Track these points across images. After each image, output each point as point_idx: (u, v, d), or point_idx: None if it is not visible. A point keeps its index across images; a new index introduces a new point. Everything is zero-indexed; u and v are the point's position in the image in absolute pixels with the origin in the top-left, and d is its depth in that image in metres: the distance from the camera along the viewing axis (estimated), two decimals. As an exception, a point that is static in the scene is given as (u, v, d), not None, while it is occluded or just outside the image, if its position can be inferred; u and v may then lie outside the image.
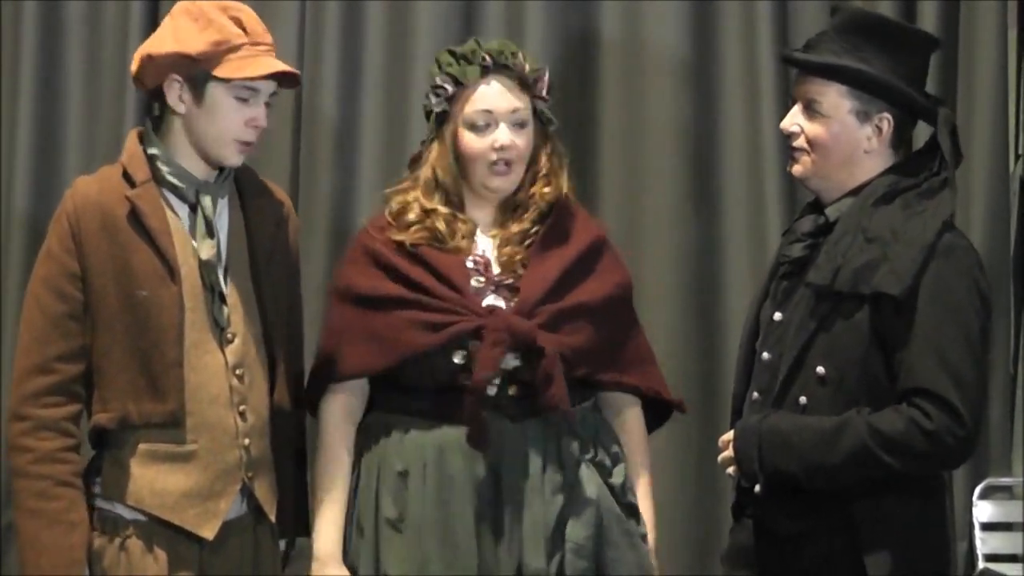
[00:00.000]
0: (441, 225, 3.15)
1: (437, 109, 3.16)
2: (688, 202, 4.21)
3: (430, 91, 3.20)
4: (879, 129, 3.00)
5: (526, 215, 3.19)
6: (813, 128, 3.00)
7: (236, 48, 3.02)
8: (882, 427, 2.84)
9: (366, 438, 3.16)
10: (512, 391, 3.09)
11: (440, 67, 3.18)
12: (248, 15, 3.08)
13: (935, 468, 2.92)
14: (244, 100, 3.06)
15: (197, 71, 3.02)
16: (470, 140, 3.15)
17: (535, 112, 3.20)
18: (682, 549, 4.13)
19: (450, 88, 3.16)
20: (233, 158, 3.09)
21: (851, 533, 2.90)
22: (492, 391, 3.08)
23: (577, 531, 3.08)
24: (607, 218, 4.18)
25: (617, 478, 3.16)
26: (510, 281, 3.14)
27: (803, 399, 2.94)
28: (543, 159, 3.22)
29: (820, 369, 2.92)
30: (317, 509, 3.15)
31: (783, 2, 4.19)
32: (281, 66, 3.06)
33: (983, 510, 4.09)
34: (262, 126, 3.09)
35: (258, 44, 3.06)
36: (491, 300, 3.13)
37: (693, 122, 4.21)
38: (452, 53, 3.20)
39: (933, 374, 2.83)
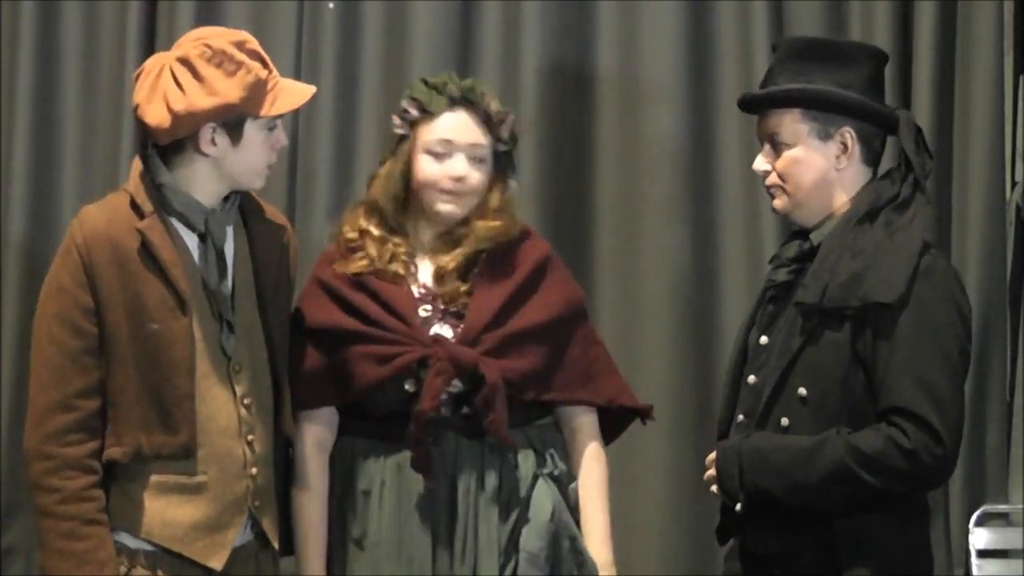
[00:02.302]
0: (372, 247, 3.22)
1: (400, 132, 3.23)
2: (685, 227, 4.22)
3: (396, 115, 3.25)
4: (844, 146, 3.01)
5: (460, 249, 3.23)
6: (780, 161, 3.02)
7: (266, 83, 3.01)
8: (860, 445, 2.85)
9: (337, 463, 3.22)
10: (464, 411, 3.15)
11: (411, 91, 3.25)
12: (255, 43, 3.06)
13: (914, 487, 2.92)
14: (272, 129, 3.06)
15: (233, 115, 3.00)
16: (426, 166, 3.21)
17: (495, 153, 3.26)
18: (677, 569, 4.13)
19: (414, 112, 3.22)
20: (262, 182, 3.11)
21: (833, 552, 2.90)
22: (446, 412, 3.15)
23: (531, 541, 3.14)
24: (603, 244, 4.20)
25: (572, 495, 3.24)
26: (456, 309, 3.21)
27: (785, 420, 2.95)
28: (494, 196, 3.26)
29: (801, 390, 2.94)
30: (301, 536, 3.19)
31: (778, 26, 4.20)
32: (308, 90, 3.08)
33: (980, 537, 4.08)
34: (285, 144, 3.12)
35: (273, 71, 3.05)
36: (438, 329, 3.19)
37: (689, 147, 4.21)
38: (425, 82, 3.26)
39: (911, 393, 2.84)
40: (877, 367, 2.88)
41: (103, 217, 3.03)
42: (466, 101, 3.22)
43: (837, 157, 3.01)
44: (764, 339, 3.04)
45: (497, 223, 3.24)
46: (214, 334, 3.04)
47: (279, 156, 4.07)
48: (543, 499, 3.17)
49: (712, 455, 3.05)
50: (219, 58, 2.98)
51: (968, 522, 4.09)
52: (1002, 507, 4.12)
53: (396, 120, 3.25)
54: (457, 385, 3.14)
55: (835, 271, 2.91)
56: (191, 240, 3.05)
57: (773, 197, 3.07)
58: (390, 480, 3.15)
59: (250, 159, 3.04)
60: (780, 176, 3.03)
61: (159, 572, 3.00)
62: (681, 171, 4.20)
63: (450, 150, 3.20)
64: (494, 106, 3.24)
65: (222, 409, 3.03)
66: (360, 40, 4.30)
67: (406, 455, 3.13)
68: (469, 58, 4.23)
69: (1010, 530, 4.10)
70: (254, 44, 3.04)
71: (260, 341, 3.10)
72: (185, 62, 3.00)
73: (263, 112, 3.01)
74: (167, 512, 3.00)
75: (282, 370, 3.14)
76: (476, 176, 3.21)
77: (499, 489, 3.14)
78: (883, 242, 2.92)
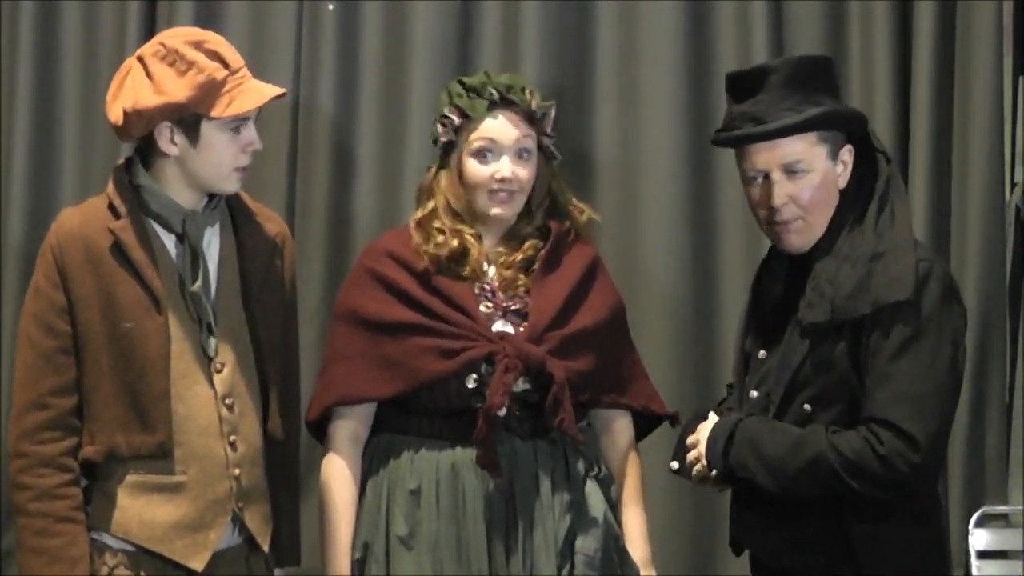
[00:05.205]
0: (469, 242, 3.20)
1: (444, 139, 3.23)
2: (684, 229, 4.21)
3: (437, 120, 3.25)
4: (844, 163, 3.00)
5: (528, 244, 3.26)
6: (801, 190, 2.96)
7: (221, 84, 3.00)
8: (840, 445, 2.86)
9: (374, 458, 3.20)
10: (521, 412, 3.15)
11: (450, 97, 3.24)
12: (218, 42, 3.05)
13: (891, 493, 2.90)
14: (237, 130, 3.05)
15: (186, 115, 3.00)
16: (473, 169, 3.21)
17: (540, 146, 3.27)
18: (677, 570, 4.13)
19: (457, 120, 3.22)
20: (233, 186, 3.10)
21: (849, 561, 2.91)
22: (502, 412, 3.12)
23: (587, 543, 3.16)
24: (602, 246, 4.17)
25: (613, 496, 3.26)
26: (517, 307, 3.21)
27: None
28: (549, 192, 3.29)
29: (806, 407, 2.95)
30: (328, 534, 3.18)
31: (778, 27, 4.19)
32: (271, 91, 3.06)
33: (979, 538, 4.08)
34: (258, 147, 3.09)
35: (237, 72, 3.04)
36: (500, 326, 3.19)
37: (688, 148, 4.20)
38: (463, 84, 3.25)
39: (890, 403, 2.85)
40: (868, 374, 2.88)
41: (79, 218, 3.06)
42: (506, 101, 3.22)
43: (839, 176, 3.00)
44: (763, 353, 3.04)
45: (566, 222, 3.29)
46: (194, 334, 3.05)
47: (276, 157, 4.17)
48: (596, 500, 3.19)
49: (702, 426, 3.06)
50: (172, 57, 3.00)
51: (968, 523, 4.08)
52: (1002, 508, 4.11)
53: (440, 128, 3.23)
54: (519, 385, 3.14)
55: (837, 283, 2.90)
56: (169, 241, 3.07)
57: (788, 231, 2.98)
58: (445, 478, 3.13)
59: (213, 160, 3.04)
60: (803, 206, 2.95)
61: (141, 572, 3.02)
62: (680, 172, 4.19)
63: (495, 149, 3.21)
64: (536, 102, 3.24)
65: (202, 409, 3.04)
66: (360, 40, 4.29)
67: (460, 453, 3.13)
68: (469, 58, 4.23)
69: (1010, 531, 4.09)
70: (216, 44, 3.03)
71: (246, 342, 3.11)
72: (141, 61, 3.03)
73: (215, 113, 3.00)
74: (146, 512, 3.01)
75: (271, 371, 3.14)
76: (523, 173, 3.22)
77: (554, 490, 3.15)
78: (876, 246, 2.91)
